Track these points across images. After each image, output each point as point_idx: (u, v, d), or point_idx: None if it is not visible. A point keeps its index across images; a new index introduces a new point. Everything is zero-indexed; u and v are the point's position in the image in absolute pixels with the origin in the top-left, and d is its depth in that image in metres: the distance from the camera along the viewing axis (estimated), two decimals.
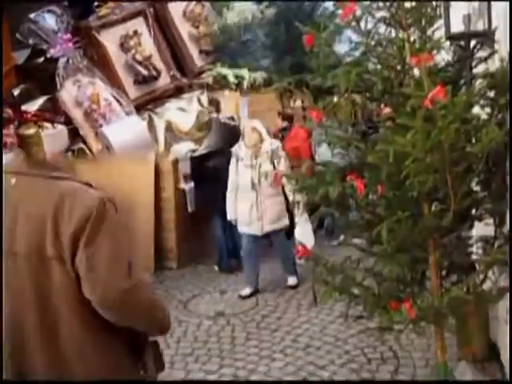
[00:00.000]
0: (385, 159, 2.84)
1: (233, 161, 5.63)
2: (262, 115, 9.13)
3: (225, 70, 7.17)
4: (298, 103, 9.30)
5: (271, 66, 12.45)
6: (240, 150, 5.59)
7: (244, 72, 7.69)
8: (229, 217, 5.76)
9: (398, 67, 3.20)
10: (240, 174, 5.56)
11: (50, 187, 1.95)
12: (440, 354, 3.39)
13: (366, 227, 3.21)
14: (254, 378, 4.03)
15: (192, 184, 6.56)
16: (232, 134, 6.45)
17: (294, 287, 5.77)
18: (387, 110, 3.50)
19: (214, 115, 6.95)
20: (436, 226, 3.08)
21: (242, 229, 5.69)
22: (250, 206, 5.49)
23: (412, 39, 3.20)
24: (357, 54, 3.39)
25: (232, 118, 7.46)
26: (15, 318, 1.93)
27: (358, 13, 3.20)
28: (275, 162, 5.47)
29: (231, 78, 7.23)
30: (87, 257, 1.82)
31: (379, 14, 3.27)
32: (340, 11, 3.34)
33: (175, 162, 6.65)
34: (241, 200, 5.59)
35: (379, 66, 3.28)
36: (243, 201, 5.56)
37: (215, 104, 7.06)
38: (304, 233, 5.54)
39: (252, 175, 5.48)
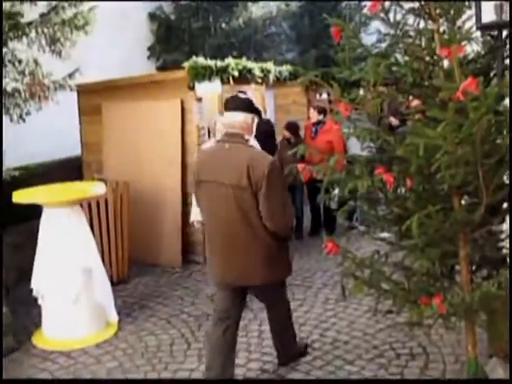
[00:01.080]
0: (414, 152, 2.80)
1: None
2: (287, 109, 9.15)
3: (250, 64, 7.13)
4: (324, 96, 9.23)
5: (296, 59, 12.42)
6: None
7: (269, 65, 7.64)
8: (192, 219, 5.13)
9: (428, 59, 3.16)
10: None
11: (246, 150, 3.55)
12: (471, 350, 3.34)
13: (395, 221, 3.18)
14: (281, 371, 4.02)
15: None
16: (264, 129, 6.42)
17: None
18: (416, 103, 3.46)
19: None
20: (467, 219, 3.03)
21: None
22: None
23: (442, 30, 3.15)
24: (384, 45, 3.35)
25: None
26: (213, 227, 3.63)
27: (387, 4, 3.17)
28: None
29: (257, 72, 7.20)
30: (264, 194, 3.39)
31: (408, 5, 3.23)
32: (366, 3, 3.30)
33: None
34: None
35: (407, 58, 3.25)
36: None
37: None
38: None
39: None
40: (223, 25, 11.45)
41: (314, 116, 7.46)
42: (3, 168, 5.77)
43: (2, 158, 5.48)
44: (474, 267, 3.39)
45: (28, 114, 6.38)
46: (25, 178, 5.96)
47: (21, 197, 4.80)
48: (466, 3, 3.20)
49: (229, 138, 3.60)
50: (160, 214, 6.77)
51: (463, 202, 3.23)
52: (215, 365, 3.65)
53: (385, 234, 3.56)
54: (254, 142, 4.13)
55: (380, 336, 4.48)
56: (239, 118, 3.61)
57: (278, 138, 7.56)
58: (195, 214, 4.99)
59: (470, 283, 3.23)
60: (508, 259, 3.26)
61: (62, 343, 4.68)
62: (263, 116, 7.30)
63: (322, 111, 7.43)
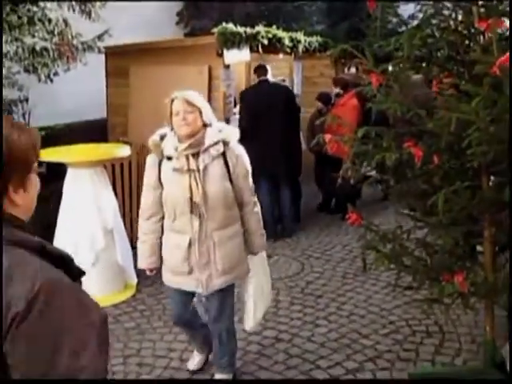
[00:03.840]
0: (445, 127, 2.75)
1: (154, 162, 3.23)
2: (314, 81, 9.05)
3: (280, 33, 7.03)
4: (352, 70, 9.11)
5: (326, 31, 12.25)
6: (167, 143, 3.17)
7: (300, 35, 7.53)
8: (140, 264, 3.41)
9: (465, 32, 3.08)
10: (168, 187, 3.16)
11: None
12: (489, 331, 3.32)
13: (420, 197, 3.13)
14: (296, 341, 4.04)
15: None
16: (280, 93, 6.31)
17: None
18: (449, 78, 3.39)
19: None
20: (494, 199, 2.98)
21: (170, 281, 3.33)
22: (185, 243, 3.14)
23: (480, 3, 3.06)
24: (420, 15, 3.26)
25: (283, 80, 7.35)
26: None
27: None
28: (230, 162, 3.15)
29: (287, 41, 7.10)
30: None
31: None
32: None
33: (226, 123, 6.63)
34: (170, 232, 3.24)
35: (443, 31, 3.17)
36: (174, 234, 3.21)
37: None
38: None
39: (191, 188, 3.07)
40: None
41: (332, 89, 7.33)
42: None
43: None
44: (497, 248, 3.35)
45: (56, 74, 6.40)
46: (50, 138, 6.00)
47: (45, 155, 4.83)
48: None
49: None
50: None
51: (491, 181, 3.18)
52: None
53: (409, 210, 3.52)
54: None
55: (396, 312, 4.47)
56: None
57: (306, 109, 7.49)
58: None
59: (492, 264, 3.19)
60: None
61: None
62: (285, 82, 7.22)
63: (339, 84, 7.26)
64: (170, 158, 3.15)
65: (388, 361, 3.77)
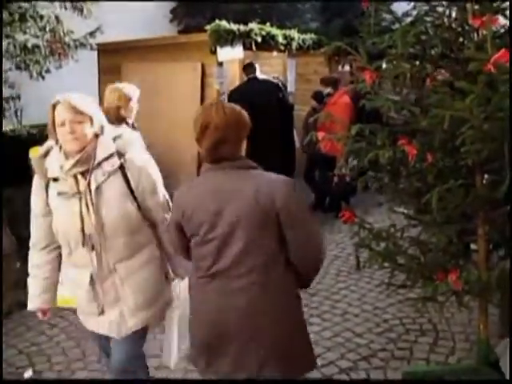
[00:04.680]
0: (439, 125, 2.73)
1: (40, 184, 2.61)
2: (308, 78, 9.03)
3: (274, 30, 7.00)
4: (346, 68, 9.08)
5: (320, 29, 12.22)
6: (52, 160, 2.56)
7: (293, 33, 7.49)
8: (30, 304, 2.77)
9: (459, 29, 3.06)
10: (56, 215, 2.57)
11: None
12: (482, 329, 3.31)
13: (414, 195, 3.12)
14: None
15: None
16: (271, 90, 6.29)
17: None
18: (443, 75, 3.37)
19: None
20: (488, 197, 2.97)
21: (85, 324, 2.82)
22: (86, 280, 2.60)
23: (474, 0, 3.04)
24: (414, 13, 3.25)
25: (277, 78, 7.32)
26: None
27: None
28: (130, 176, 2.55)
29: (280, 39, 7.06)
30: None
31: None
32: None
33: None
34: (69, 266, 2.69)
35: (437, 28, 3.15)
36: (73, 269, 2.67)
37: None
38: None
39: (81, 215, 2.49)
40: None
41: (328, 87, 7.27)
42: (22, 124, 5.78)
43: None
44: (490, 246, 3.34)
45: (48, 71, 6.35)
46: (43, 136, 5.95)
47: (36, 153, 4.78)
48: None
49: None
50: (176, 177, 6.73)
51: (485, 179, 3.17)
52: None
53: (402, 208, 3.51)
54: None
55: (390, 310, 4.46)
56: None
57: (300, 107, 7.47)
58: None
59: (486, 262, 3.18)
60: None
61: (73, 300, 4.70)
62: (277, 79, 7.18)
63: (329, 83, 7.26)
64: (56, 180, 2.52)
65: (382, 359, 3.75)
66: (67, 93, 2.49)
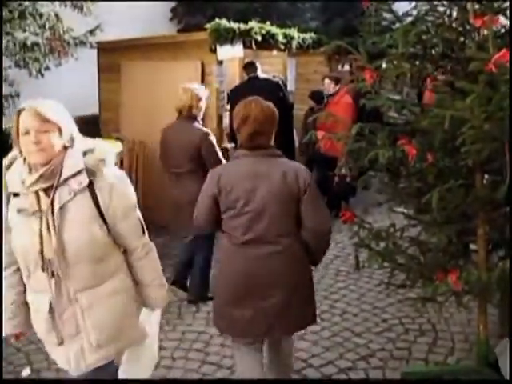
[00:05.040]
0: (439, 125, 2.73)
1: (4, 197, 2.36)
2: (307, 78, 9.01)
3: (274, 29, 6.98)
4: (346, 67, 9.07)
5: (320, 28, 12.20)
6: (14, 173, 2.30)
7: (293, 32, 7.47)
8: (3, 329, 2.49)
9: (460, 29, 3.05)
10: (15, 234, 2.31)
11: None
12: (482, 329, 3.31)
13: (414, 195, 3.11)
14: None
15: (234, 144, 6.51)
16: (271, 89, 6.26)
17: None
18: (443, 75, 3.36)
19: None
20: (488, 197, 2.97)
21: (49, 351, 2.52)
22: (46, 307, 2.32)
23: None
24: (415, 12, 3.24)
25: (276, 77, 7.31)
26: None
27: None
28: (100, 196, 2.28)
29: (280, 38, 7.04)
30: None
31: None
32: None
33: (219, 119, 6.61)
34: (29, 291, 2.42)
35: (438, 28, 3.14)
36: (32, 294, 2.41)
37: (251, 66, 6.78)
38: None
39: (41, 237, 2.23)
40: None
41: (331, 87, 7.18)
42: None
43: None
44: (490, 246, 3.34)
45: (47, 69, 6.34)
46: None
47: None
48: None
49: None
50: None
51: (485, 180, 3.16)
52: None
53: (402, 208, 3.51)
54: None
55: (389, 310, 4.46)
56: None
57: (299, 106, 7.45)
58: None
59: (486, 262, 3.17)
60: None
61: None
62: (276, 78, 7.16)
63: (338, 82, 7.20)
64: (16, 195, 2.27)
65: (381, 359, 3.75)
66: (40, 99, 2.25)
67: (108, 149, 2.36)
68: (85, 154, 2.28)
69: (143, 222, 2.49)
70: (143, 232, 2.47)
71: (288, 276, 2.74)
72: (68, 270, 2.24)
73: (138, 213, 2.48)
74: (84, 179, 2.23)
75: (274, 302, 2.72)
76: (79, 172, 2.23)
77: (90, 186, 2.25)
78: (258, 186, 2.68)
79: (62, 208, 2.20)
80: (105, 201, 2.27)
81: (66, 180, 2.21)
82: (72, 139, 2.28)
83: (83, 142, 2.33)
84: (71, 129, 2.30)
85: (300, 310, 2.81)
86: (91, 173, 2.26)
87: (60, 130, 2.22)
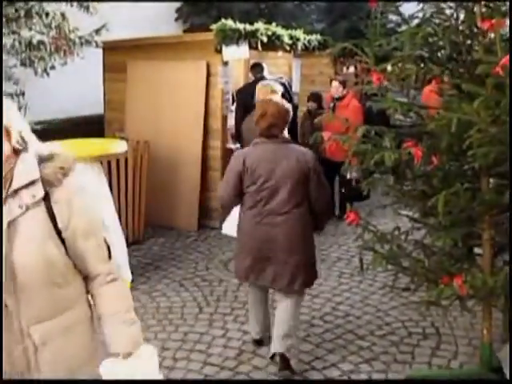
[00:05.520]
0: (446, 128, 2.72)
1: None
2: (312, 79, 9.01)
3: (280, 30, 6.96)
4: (351, 70, 9.05)
5: (326, 30, 12.19)
6: None
7: (299, 33, 7.46)
8: None
9: (467, 32, 3.04)
10: None
11: None
12: (486, 334, 3.30)
13: (420, 198, 3.10)
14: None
15: (239, 145, 6.50)
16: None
17: None
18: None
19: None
20: (495, 201, 2.95)
21: None
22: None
23: (483, 3, 3.02)
24: (421, 15, 3.23)
25: (280, 78, 7.29)
26: None
27: None
28: (57, 211, 1.86)
29: (286, 39, 7.03)
30: None
31: None
32: None
33: (223, 120, 6.60)
34: None
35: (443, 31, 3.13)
36: None
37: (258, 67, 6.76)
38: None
39: None
40: None
41: (339, 90, 7.07)
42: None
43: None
44: (495, 250, 3.32)
45: (53, 68, 6.34)
46: (47, 133, 5.93)
47: None
48: None
49: None
50: (179, 177, 6.74)
51: (491, 183, 3.15)
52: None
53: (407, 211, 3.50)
54: None
55: (393, 313, 4.44)
56: None
57: (305, 108, 7.44)
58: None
59: (491, 266, 3.16)
60: None
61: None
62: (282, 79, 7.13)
63: (345, 85, 7.11)
64: None
65: (384, 363, 3.73)
66: None
67: (69, 156, 1.95)
68: (41, 161, 1.87)
69: (110, 245, 2.03)
70: (109, 256, 2.00)
71: (299, 237, 3.48)
72: (20, 296, 1.83)
73: (104, 233, 2.04)
74: (38, 191, 1.82)
75: (291, 259, 3.45)
76: (33, 182, 1.82)
77: (46, 198, 1.84)
78: (275, 166, 3.40)
79: (12, 224, 1.80)
80: (63, 217, 1.86)
81: (16, 191, 1.81)
82: (24, 142, 1.86)
83: (39, 147, 1.93)
84: (21, 129, 1.86)
85: (310, 266, 3.59)
86: (48, 183, 1.85)
87: (7, 132, 1.81)
